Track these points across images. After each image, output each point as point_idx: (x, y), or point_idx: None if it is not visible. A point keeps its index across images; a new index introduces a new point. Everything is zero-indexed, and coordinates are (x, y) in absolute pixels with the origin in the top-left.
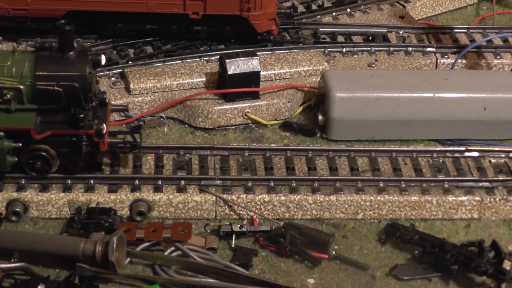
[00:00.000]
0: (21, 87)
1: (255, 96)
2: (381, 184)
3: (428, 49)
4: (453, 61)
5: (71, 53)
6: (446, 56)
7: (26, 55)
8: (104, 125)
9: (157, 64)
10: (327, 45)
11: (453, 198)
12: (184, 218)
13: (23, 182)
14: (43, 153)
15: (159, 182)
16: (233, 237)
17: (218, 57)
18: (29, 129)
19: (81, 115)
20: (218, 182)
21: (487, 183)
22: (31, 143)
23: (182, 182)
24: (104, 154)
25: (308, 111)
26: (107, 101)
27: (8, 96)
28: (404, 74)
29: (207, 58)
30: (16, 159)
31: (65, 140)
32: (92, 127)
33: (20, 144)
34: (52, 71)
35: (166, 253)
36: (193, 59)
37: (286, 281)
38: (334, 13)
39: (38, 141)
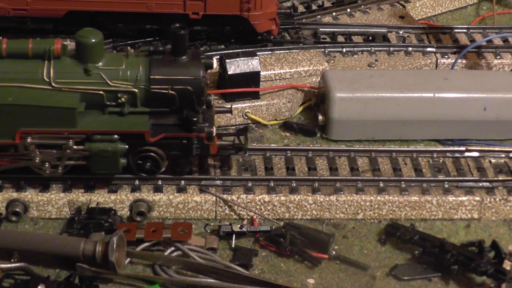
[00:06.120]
0: (136, 90)
1: (255, 96)
2: (381, 184)
3: (428, 49)
4: (453, 61)
5: (184, 56)
6: (446, 56)
7: (140, 59)
8: (214, 127)
9: None
10: (327, 45)
11: (453, 198)
12: (184, 218)
13: (23, 182)
14: (153, 155)
15: (159, 182)
16: (233, 237)
17: (218, 57)
18: (144, 132)
19: (194, 119)
20: (218, 182)
21: (487, 183)
22: (143, 145)
23: (182, 182)
24: (213, 156)
25: (308, 111)
26: (212, 103)
27: (123, 99)
28: (404, 74)
29: None
30: (126, 161)
31: (176, 143)
32: (203, 130)
33: (133, 147)
34: (167, 74)
35: (166, 253)
36: None
37: (286, 281)
38: (334, 13)
39: (150, 143)
